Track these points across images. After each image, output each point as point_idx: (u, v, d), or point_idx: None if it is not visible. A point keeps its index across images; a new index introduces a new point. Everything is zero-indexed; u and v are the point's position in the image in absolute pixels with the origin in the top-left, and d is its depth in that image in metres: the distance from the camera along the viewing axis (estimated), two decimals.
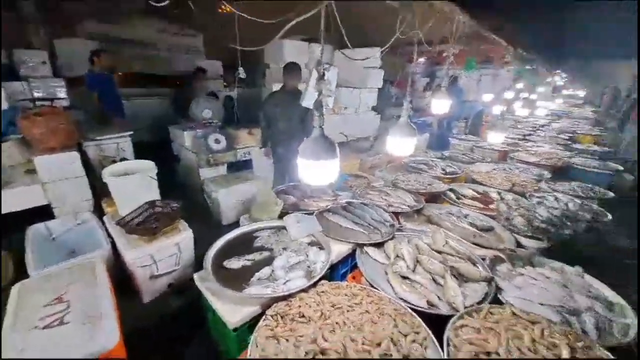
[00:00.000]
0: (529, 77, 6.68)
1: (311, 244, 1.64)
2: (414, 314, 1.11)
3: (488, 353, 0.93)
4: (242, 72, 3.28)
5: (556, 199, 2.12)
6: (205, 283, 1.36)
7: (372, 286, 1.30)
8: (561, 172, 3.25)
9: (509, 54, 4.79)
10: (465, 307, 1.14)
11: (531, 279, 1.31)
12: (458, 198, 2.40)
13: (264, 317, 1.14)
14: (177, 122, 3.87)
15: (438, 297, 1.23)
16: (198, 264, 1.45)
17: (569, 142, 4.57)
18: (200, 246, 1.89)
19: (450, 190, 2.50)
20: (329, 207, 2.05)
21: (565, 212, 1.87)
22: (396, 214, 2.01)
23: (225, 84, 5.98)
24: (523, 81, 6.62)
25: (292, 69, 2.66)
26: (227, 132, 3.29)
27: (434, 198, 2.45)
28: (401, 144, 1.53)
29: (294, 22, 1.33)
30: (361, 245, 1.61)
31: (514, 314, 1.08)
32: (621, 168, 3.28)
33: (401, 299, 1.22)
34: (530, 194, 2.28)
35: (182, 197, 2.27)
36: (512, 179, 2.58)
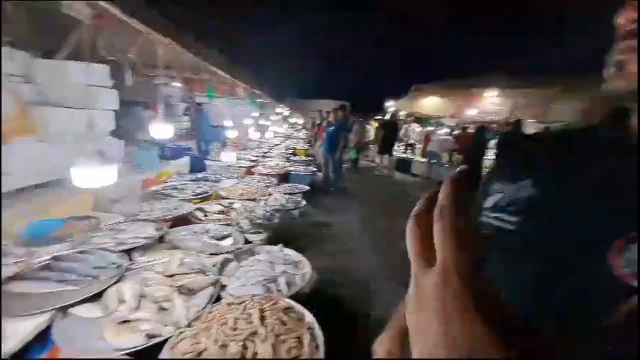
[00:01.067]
0: (262, 107, 8.33)
1: None
2: (125, 357, 0.97)
3: (200, 353, 0.98)
4: None
5: (275, 198, 2.75)
6: None
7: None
8: (285, 178, 4.32)
9: (241, 88, 5.70)
10: (188, 320, 1.16)
11: (249, 267, 1.58)
12: (206, 215, 2.49)
13: None
14: None
15: (166, 324, 1.17)
16: None
17: (291, 156, 6.19)
18: None
19: (198, 209, 2.54)
20: (14, 274, 1.40)
21: (278, 207, 2.47)
22: (130, 251, 1.73)
23: None
24: (260, 110, 8.16)
25: None
26: None
27: (182, 221, 2.38)
28: (92, 174, 1.31)
29: None
30: (65, 308, 1.22)
31: (228, 304, 1.23)
32: (315, 169, 4.88)
33: (116, 350, 1.03)
34: (259, 198, 2.81)
35: None
36: (248, 189, 3.06)
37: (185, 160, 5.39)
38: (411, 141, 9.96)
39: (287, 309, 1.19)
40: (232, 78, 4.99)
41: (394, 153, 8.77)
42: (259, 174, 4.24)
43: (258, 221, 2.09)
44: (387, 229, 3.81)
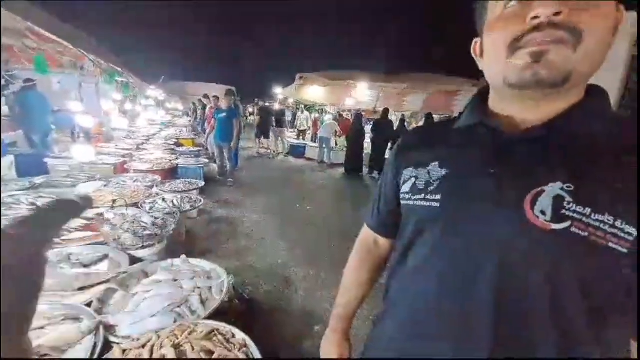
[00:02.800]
0: (126, 89, 6.57)
1: None
2: None
3: None
4: None
5: (164, 199, 2.24)
6: None
7: None
8: (171, 174, 3.61)
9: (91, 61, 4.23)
10: None
11: (144, 293, 1.23)
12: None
13: None
14: None
15: None
16: None
17: (174, 147, 5.23)
18: None
19: None
20: None
21: (170, 210, 2.02)
22: None
23: None
24: (123, 93, 6.40)
25: None
26: None
27: None
28: None
29: None
30: None
31: (123, 351, 0.91)
32: (207, 161, 4.31)
33: None
34: (142, 202, 2.23)
35: None
36: (123, 193, 2.37)
37: (7, 160, 3.68)
38: (303, 128, 10.32)
39: (210, 334, 0.98)
40: (75, 48, 3.61)
41: (288, 139, 8.89)
42: (136, 171, 3.38)
43: (148, 232, 1.64)
44: (294, 216, 3.84)
